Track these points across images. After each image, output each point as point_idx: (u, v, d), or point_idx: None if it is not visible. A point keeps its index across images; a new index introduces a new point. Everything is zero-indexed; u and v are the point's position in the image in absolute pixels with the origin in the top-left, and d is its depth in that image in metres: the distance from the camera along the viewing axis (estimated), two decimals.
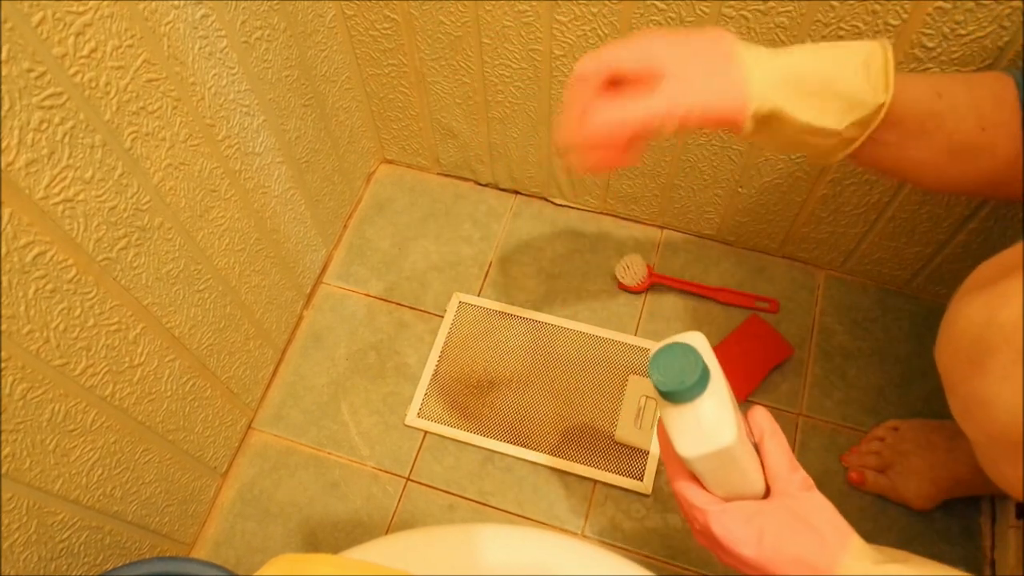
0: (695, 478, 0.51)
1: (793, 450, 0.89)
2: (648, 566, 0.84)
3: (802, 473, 0.51)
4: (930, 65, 0.69)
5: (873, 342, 0.95)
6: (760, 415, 0.53)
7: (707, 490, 0.51)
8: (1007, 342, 0.47)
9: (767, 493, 0.51)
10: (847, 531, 0.49)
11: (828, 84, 0.50)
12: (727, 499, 0.51)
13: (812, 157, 0.56)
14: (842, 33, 0.69)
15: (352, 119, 1.00)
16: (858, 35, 0.68)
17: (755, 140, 0.57)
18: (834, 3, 0.67)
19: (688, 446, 0.48)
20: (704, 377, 0.46)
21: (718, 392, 0.47)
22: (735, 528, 0.49)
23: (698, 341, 0.48)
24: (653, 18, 0.74)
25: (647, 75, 0.50)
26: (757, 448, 0.52)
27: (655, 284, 1.00)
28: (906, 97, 0.51)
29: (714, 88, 0.50)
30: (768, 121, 0.51)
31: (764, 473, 0.51)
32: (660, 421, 0.50)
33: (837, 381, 0.93)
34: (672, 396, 0.47)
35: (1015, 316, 0.47)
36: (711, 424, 0.47)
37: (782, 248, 1.00)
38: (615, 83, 0.52)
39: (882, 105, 0.50)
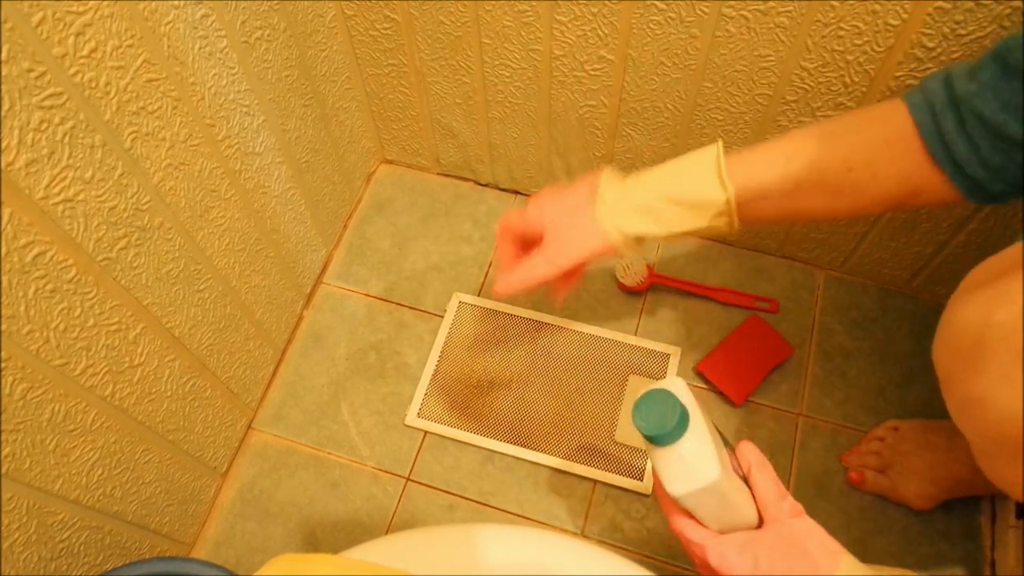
0: (690, 514, 0.55)
1: (793, 450, 0.89)
2: (648, 566, 0.84)
3: (791, 500, 0.55)
4: (930, 65, 0.69)
5: (873, 342, 0.95)
6: (747, 449, 0.57)
7: (703, 524, 0.54)
8: (1004, 343, 0.47)
9: (760, 523, 0.54)
10: (838, 551, 0.52)
11: (674, 200, 0.61)
12: (722, 531, 0.54)
13: (708, 237, 0.67)
14: (842, 33, 0.69)
15: (352, 119, 1.00)
16: (858, 35, 0.68)
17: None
18: (834, 3, 0.67)
19: (676, 485, 0.51)
20: (684, 420, 0.50)
21: (699, 433, 0.51)
22: (731, 558, 0.52)
23: (678, 386, 0.53)
24: (653, 18, 0.74)
25: (538, 236, 0.66)
26: (746, 480, 0.55)
27: (655, 284, 1.00)
28: (756, 179, 0.60)
29: (579, 240, 0.64)
30: (640, 239, 0.64)
31: (756, 504, 0.54)
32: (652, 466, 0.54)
33: (837, 381, 0.93)
34: (656, 440, 0.51)
35: (1012, 316, 0.47)
36: (695, 463, 0.50)
37: (782, 248, 1.00)
38: (526, 242, 0.68)
39: (727, 200, 0.60)
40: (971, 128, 0.52)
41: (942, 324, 0.54)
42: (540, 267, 0.66)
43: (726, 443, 0.56)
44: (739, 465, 0.56)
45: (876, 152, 0.57)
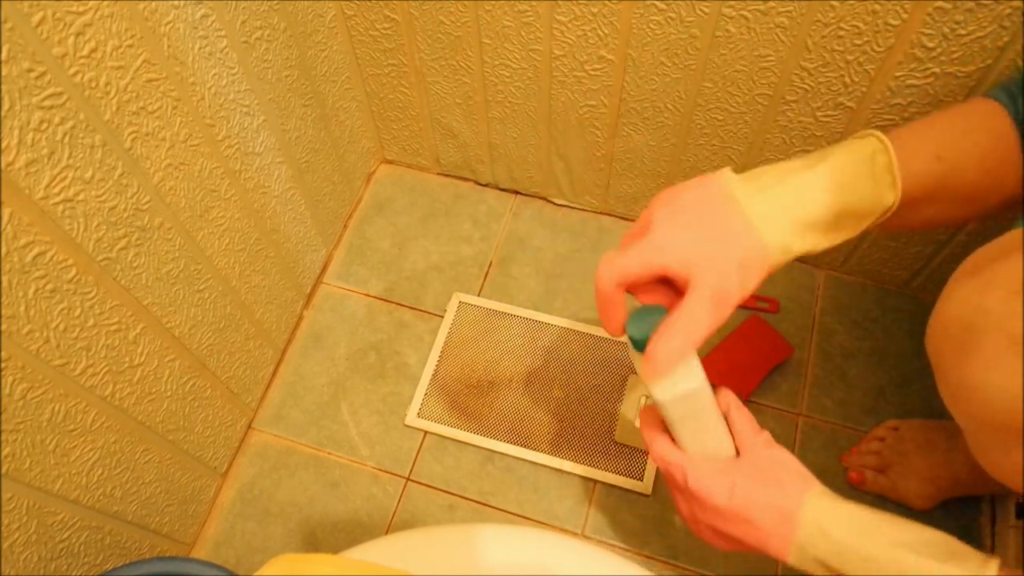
0: (672, 441, 0.56)
1: (793, 450, 0.89)
2: (648, 566, 0.84)
3: (766, 435, 0.56)
4: (930, 65, 0.69)
5: (873, 342, 0.95)
6: (725, 393, 0.58)
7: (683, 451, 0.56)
8: (995, 326, 0.47)
9: (737, 457, 0.56)
10: (809, 478, 0.54)
11: (841, 214, 0.50)
12: (701, 458, 0.56)
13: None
14: (842, 33, 0.69)
15: (352, 119, 1.00)
16: (858, 34, 0.68)
17: None
18: (834, 3, 0.67)
19: (660, 389, 0.51)
20: None
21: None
22: (710, 481, 0.54)
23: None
24: (653, 18, 0.74)
25: (678, 281, 0.49)
26: (726, 419, 0.57)
27: None
28: (911, 180, 0.51)
29: (740, 271, 0.49)
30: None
31: (733, 440, 0.56)
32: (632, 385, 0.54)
33: (837, 381, 0.93)
34: (639, 344, 0.50)
35: (1002, 300, 0.47)
36: (680, 370, 0.50)
37: None
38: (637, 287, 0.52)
39: (891, 207, 0.51)
40: None
41: (935, 311, 0.55)
42: (704, 318, 0.48)
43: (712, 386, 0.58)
44: (719, 405, 0.58)
45: (1002, 155, 0.53)
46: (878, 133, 0.51)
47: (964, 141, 0.53)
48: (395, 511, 0.89)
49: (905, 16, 0.66)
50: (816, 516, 0.52)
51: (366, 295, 1.03)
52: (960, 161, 0.53)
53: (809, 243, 0.51)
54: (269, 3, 0.75)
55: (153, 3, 0.59)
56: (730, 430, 0.56)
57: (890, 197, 0.51)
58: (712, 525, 0.55)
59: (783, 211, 0.50)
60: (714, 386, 0.55)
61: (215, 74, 0.69)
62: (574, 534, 0.87)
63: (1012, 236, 0.52)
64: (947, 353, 0.53)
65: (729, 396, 0.58)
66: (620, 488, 0.88)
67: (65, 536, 0.66)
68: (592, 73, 0.83)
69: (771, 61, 0.74)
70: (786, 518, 0.52)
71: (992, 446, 0.51)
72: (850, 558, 0.50)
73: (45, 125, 0.52)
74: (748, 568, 0.84)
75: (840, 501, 0.53)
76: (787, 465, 0.55)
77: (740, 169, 0.90)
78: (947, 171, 0.53)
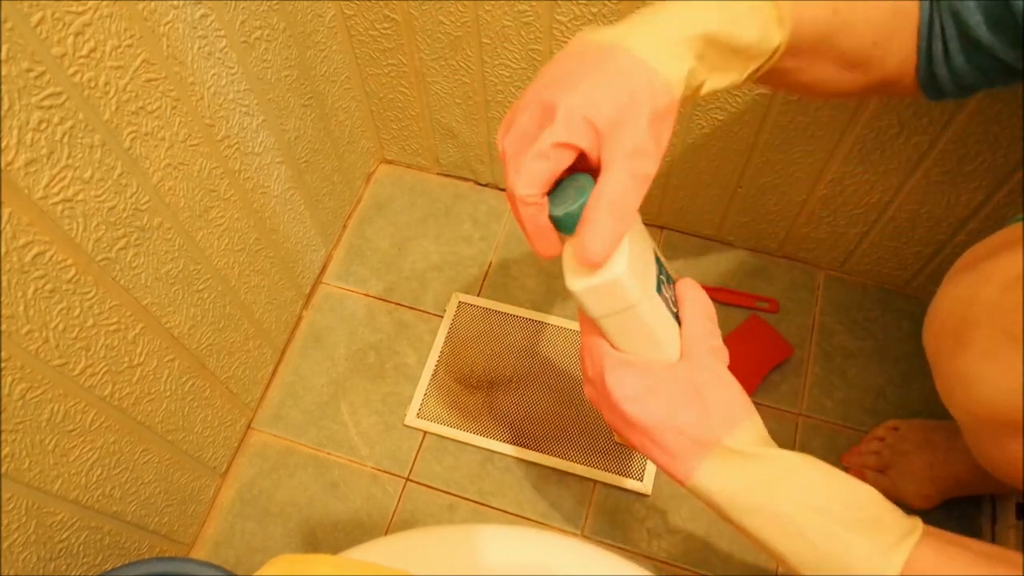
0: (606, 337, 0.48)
1: (793, 450, 0.89)
2: (648, 566, 0.84)
3: (718, 344, 0.48)
4: None
5: (873, 342, 0.95)
6: (686, 285, 0.50)
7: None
8: (988, 319, 0.48)
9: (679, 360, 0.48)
10: (742, 414, 0.46)
11: (728, 47, 0.44)
12: None
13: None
14: None
15: (352, 119, 1.00)
16: None
17: None
18: None
19: (573, 278, 0.43)
20: None
21: None
22: (626, 381, 0.46)
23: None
24: None
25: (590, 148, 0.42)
26: (678, 317, 0.48)
27: None
28: (801, 26, 0.46)
29: (635, 103, 0.41)
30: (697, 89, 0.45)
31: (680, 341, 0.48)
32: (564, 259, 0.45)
33: (837, 381, 0.93)
34: (562, 224, 0.42)
35: (996, 293, 0.47)
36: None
37: (782, 248, 1.00)
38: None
39: (777, 48, 0.45)
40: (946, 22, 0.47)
41: (932, 305, 0.55)
42: (632, 189, 0.41)
43: (666, 275, 0.48)
44: (674, 302, 0.49)
45: (893, 29, 0.49)
46: None
47: (865, 3, 0.48)
48: (395, 511, 0.89)
49: None
50: (724, 462, 0.45)
51: (366, 295, 1.03)
52: (856, 22, 0.48)
53: (707, 67, 0.44)
54: (268, 3, 0.75)
55: (152, 3, 0.59)
56: (681, 328, 0.48)
57: (776, 37, 0.45)
58: (616, 426, 0.49)
59: (673, 34, 0.42)
60: (670, 279, 0.49)
61: (214, 74, 0.69)
62: (574, 534, 0.87)
63: (1006, 232, 0.53)
64: (943, 347, 0.53)
65: (690, 290, 0.49)
66: (620, 488, 0.88)
67: (64, 536, 0.66)
68: None
69: None
70: (696, 450, 0.45)
71: (986, 439, 0.51)
72: (749, 515, 0.45)
73: (44, 125, 0.52)
74: (748, 568, 0.84)
75: (757, 449, 0.45)
76: (723, 387, 0.47)
77: (741, 169, 0.89)
78: (840, 26, 0.48)
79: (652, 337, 0.46)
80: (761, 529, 0.45)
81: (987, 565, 0.42)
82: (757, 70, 0.47)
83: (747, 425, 0.46)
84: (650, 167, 0.41)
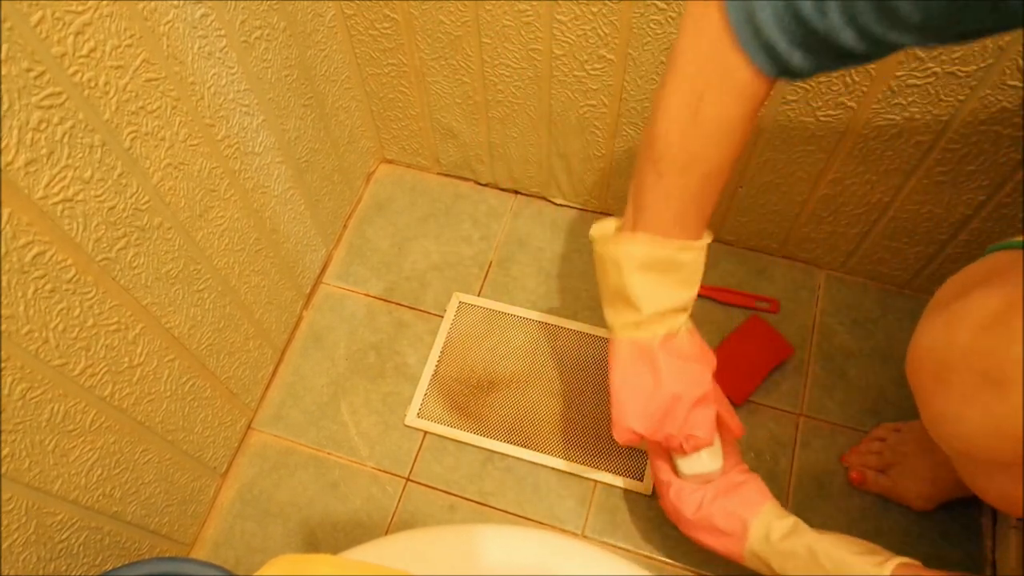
0: (669, 458, 0.71)
1: (793, 450, 0.89)
2: (648, 566, 0.84)
3: (741, 464, 0.71)
4: (931, 64, 0.68)
5: (873, 342, 0.95)
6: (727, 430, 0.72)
7: (674, 470, 0.71)
8: (964, 363, 0.47)
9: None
10: (766, 494, 0.68)
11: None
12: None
13: None
14: None
15: (352, 119, 1.00)
16: None
17: None
18: None
19: (686, 466, 0.69)
20: None
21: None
22: (685, 497, 0.70)
23: None
24: (653, 18, 0.74)
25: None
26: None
27: None
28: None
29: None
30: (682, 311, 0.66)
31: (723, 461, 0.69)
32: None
33: (837, 381, 0.93)
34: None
35: (970, 337, 0.47)
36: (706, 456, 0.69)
37: (782, 248, 1.00)
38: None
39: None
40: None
41: (912, 343, 0.55)
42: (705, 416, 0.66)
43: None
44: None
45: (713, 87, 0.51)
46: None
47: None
48: (395, 511, 0.89)
49: None
50: (764, 522, 0.65)
51: (366, 295, 1.03)
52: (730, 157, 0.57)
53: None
54: (268, 2, 0.75)
55: (152, 3, 0.59)
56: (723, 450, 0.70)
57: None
58: (686, 531, 0.71)
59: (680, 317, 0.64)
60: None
61: (214, 74, 0.69)
62: (574, 534, 0.87)
63: (980, 266, 0.53)
64: (925, 385, 0.53)
65: (724, 433, 0.70)
66: (620, 488, 0.88)
67: (64, 536, 0.66)
68: (592, 73, 0.83)
69: None
70: (742, 524, 0.66)
71: (977, 473, 0.51)
72: (786, 559, 0.63)
73: (44, 125, 0.52)
74: (748, 568, 0.84)
75: (785, 514, 0.66)
76: (751, 483, 0.69)
77: (741, 169, 0.90)
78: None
79: (710, 467, 0.69)
80: (798, 570, 0.63)
81: None
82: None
83: (771, 502, 0.68)
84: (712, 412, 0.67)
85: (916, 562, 0.59)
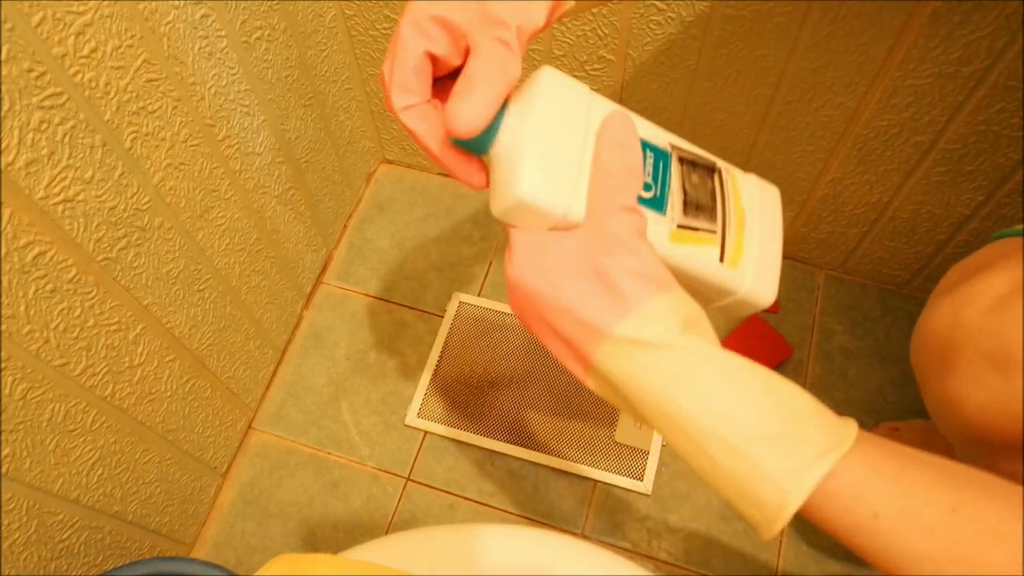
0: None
1: None
2: (648, 566, 0.84)
3: (631, 203, 0.38)
4: (930, 65, 0.69)
5: (873, 342, 0.95)
6: (611, 117, 0.39)
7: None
8: (971, 344, 0.48)
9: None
10: (649, 290, 0.36)
11: None
12: None
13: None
14: (842, 33, 0.69)
15: (352, 119, 1.00)
16: (858, 34, 0.68)
17: None
18: (834, 3, 0.67)
19: (493, 201, 0.38)
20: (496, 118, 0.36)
21: (530, 128, 0.37)
22: (517, 248, 0.38)
23: (542, 75, 0.38)
24: (653, 18, 0.74)
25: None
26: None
27: None
28: None
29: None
30: None
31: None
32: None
33: (837, 381, 0.93)
34: (472, 143, 0.37)
35: (978, 317, 0.47)
36: (509, 172, 0.37)
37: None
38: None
39: None
40: None
41: (916, 327, 0.55)
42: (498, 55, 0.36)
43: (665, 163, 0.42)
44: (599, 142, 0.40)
45: None
46: None
47: None
48: (395, 511, 0.89)
49: (905, 16, 0.66)
50: (620, 354, 0.35)
51: (366, 295, 1.03)
52: None
53: None
54: (269, 3, 0.75)
55: (153, 3, 0.59)
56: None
57: None
58: (514, 312, 0.40)
59: None
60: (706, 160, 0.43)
61: (215, 74, 0.69)
62: (574, 534, 0.87)
63: (986, 251, 0.53)
64: (929, 369, 0.53)
65: (609, 123, 0.39)
66: (620, 488, 0.88)
67: (65, 536, 0.66)
68: (592, 73, 0.83)
69: (771, 61, 0.74)
70: (592, 337, 0.36)
71: (978, 459, 0.51)
72: (652, 412, 0.36)
73: (45, 125, 0.52)
74: (748, 568, 0.84)
75: (659, 339, 0.35)
76: (627, 255, 0.36)
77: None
78: None
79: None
80: (665, 430, 0.36)
81: (940, 485, 0.35)
82: None
83: (656, 305, 0.36)
84: (508, 35, 0.36)
85: (880, 439, 0.37)
